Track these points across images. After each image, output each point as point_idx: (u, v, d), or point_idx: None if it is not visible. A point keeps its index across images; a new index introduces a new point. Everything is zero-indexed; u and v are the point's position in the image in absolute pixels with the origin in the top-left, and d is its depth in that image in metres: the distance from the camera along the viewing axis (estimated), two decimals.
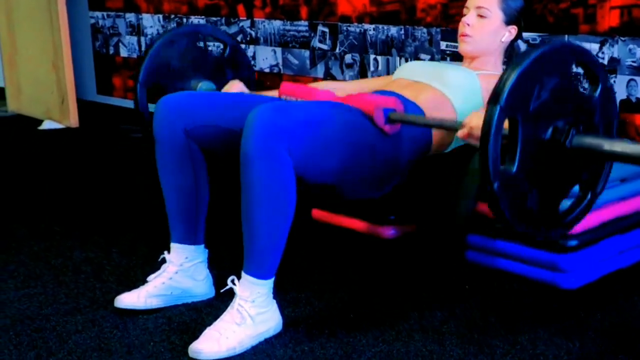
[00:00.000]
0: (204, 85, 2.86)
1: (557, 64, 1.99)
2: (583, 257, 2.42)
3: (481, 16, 2.56)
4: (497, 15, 2.56)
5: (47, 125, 5.05)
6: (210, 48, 3.98)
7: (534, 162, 1.97)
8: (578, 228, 2.38)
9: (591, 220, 2.43)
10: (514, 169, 1.92)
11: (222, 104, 2.36)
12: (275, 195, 2.09)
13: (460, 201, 2.55)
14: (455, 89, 2.49)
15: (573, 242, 2.39)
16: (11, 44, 5.48)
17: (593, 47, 2.96)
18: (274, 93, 2.62)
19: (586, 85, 2.14)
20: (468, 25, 2.57)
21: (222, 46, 2.98)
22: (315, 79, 3.95)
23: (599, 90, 2.11)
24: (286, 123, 2.09)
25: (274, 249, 2.14)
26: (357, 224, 2.89)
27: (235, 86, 2.73)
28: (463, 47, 2.60)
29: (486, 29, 2.56)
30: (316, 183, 2.26)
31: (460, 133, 2.14)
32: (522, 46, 2.63)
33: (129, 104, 5.13)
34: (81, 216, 3.24)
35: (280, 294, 2.33)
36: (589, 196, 2.17)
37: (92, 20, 5.27)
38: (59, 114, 5.10)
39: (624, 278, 2.51)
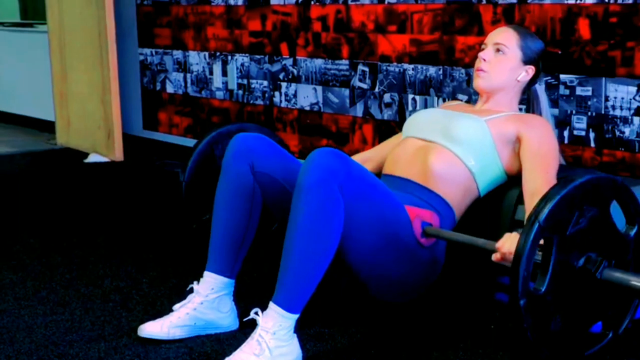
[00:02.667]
0: None
1: (599, 195, 2.04)
2: None
3: (498, 51, 2.54)
4: (514, 52, 2.54)
5: (92, 158, 5.15)
6: None
7: (563, 286, 2.00)
8: None
9: None
10: (543, 288, 1.96)
11: (287, 159, 2.41)
12: (320, 228, 2.11)
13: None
14: (465, 146, 2.44)
15: None
16: (62, 79, 5.61)
17: (630, 90, 2.93)
18: None
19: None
20: (484, 60, 2.55)
21: None
22: (354, 118, 3.96)
23: (634, 230, 2.15)
24: (343, 167, 2.14)
25: (308, 284, 2.14)
26: None
27: None
28: (477, 82, 2.57)
29: (502, 65, 2.53)
30: (348, 263, 2.28)
31: (494, 257, 2.15)
32: (540, 90, 2.64)
33: (173, 139, 5.20)
34: (116, 246, 3.28)
35: (304, 328, 2.33)
36: (610, 335, 2.17)
37: (141, 57, 5.37)
38: (104, 148, 5.19)
39: None
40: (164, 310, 2.55)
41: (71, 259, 3.12)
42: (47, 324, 2.49)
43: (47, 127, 6.17)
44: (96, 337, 2.39)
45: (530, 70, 2.55)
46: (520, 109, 2.65)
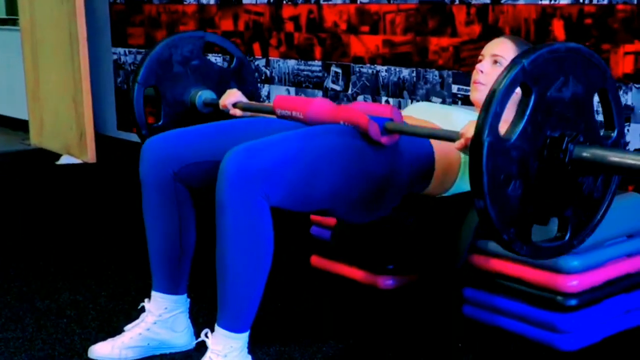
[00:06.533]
0: (204, 95, 2.78)
1: (589, 73, 1.89)
2: (583, 317, 2.28)
3: (496, 62, 2.44)
4: None
5: (64, 160, 5.04)
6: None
7: (531, 151, 1.82)
8: (579, 286, 2.26)
9: (594, 278, 2.30)
10: (513, 138, 1.78)
11: (206, 137, 2.27)
12: (250, 245, 1.99)
13: (455, 250, 2.44)
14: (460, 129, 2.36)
15: (572, 302, 2.25)
16: (35, 78, 5.50)
17: None
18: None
19: None
20: (481, 72, 2.44)
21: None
22: None
23: (614, 136, 1.98)
24: (260, 166, 1.97)
25: (249, 301, 2.04)
26: (356, 273, 2.78)
27: (233, 95, 2.64)
28: (474, 95, 2.46)
29: None
30: (307, 211, 2.16)
31: (457, 144, 2.00)
32: None
33: None
34: (79, 255, 3.17)
35: (263, 347, 2.24)
36: (566, 238, 1.96)
37: (115, 57, 5.26)
38: (77, 149, 5.08)
39: (631, 339, 2.36)
40: (119, 327, 2.44)
41: (30, 269, 3.01)
42: None
43: (23, 127, 6.06)
44: (46, 356, 2.29)
45: None
46: None
